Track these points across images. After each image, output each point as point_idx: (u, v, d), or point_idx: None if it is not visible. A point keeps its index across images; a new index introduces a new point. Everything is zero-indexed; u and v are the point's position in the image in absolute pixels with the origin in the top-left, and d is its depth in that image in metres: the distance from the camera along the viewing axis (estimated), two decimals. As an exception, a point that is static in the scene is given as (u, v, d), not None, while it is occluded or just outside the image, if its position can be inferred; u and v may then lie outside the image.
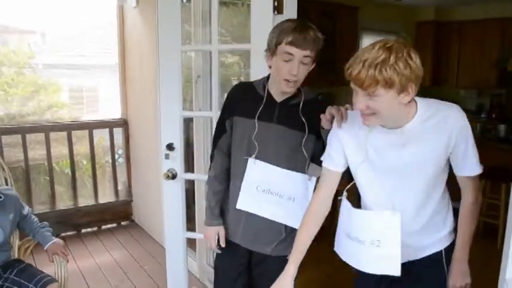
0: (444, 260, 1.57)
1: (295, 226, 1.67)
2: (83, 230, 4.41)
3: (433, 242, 1.56)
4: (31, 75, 4.37)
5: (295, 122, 1.67)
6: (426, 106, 1.42)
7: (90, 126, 4.43)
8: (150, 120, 3.93)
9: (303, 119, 1.67)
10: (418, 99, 1.42)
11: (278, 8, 2.17)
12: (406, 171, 1.44)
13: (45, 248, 2.33)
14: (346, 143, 1.51)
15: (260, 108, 1.70)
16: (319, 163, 1.62)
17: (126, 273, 3.54)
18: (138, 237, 4.31)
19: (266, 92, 1.72)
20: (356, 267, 1.54)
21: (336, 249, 1.62)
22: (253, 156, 1.72)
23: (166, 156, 2.38)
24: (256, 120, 1.70)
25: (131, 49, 4.35)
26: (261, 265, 1.84)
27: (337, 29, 5.73)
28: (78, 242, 4.16)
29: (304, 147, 1.67)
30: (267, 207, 1.75)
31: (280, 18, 2.20)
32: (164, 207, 2.53)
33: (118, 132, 4.62)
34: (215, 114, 2.20)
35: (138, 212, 4.65)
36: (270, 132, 1.70)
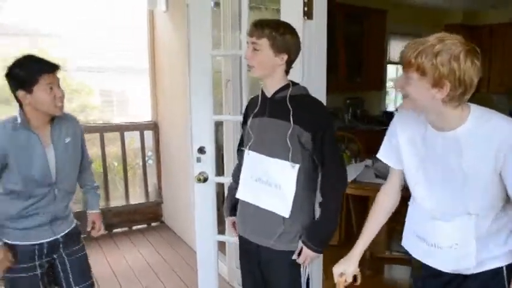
0: (506, 276, 1.51)
1: (282, 214, 1.76)
2: (114, 230, 4.51)
3: (494, 257, 1.50)
4: (65, 78, 4.49)
5: (283, 114, 1.73)
6: (480, 113, 1.38)
7: (122, 129, 4.53)
8: (180, 124, 3.99)
9: (290, 110, 1.72)
10: (472, 105, 1.40)
11: (308, 13, 2.18)
12: (455, 177, 1.41)
13: (89, 212, 2.26)
14: (403, 144, 1.53)
15: (258, 106, 1.82)
16: (321, 162, 1.73)
17: (157, 274, 3.61)
18: (168, 238, 4.38)
19: (261, 90, 1.85)
20: (432, 266, 1.56)
21: (404, 244, 1.67)
22: (248, 147, 1.84)
23: (198, 160, 2.42)
24: (251, 117, 1.84)
25: (161, 53, 4.42)
26: (268, 259, 1.87)
27: (365, 33, 5.70)
28: (110, 241, 4.26)
29: (289, 137, 1.71)
30: (259, 196, 1.83)
31: (310, 23, 2.22)
32: (196, 210, 2.56)
33: (148, 135, 4.71)
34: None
35: (167, 214, 4.72)
36: (262, 125, 1.80)
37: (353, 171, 3.54)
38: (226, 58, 2.95)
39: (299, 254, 1.80)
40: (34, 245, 1.98)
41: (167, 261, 3.86)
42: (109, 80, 5.22)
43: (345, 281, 1.65)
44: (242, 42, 2.29)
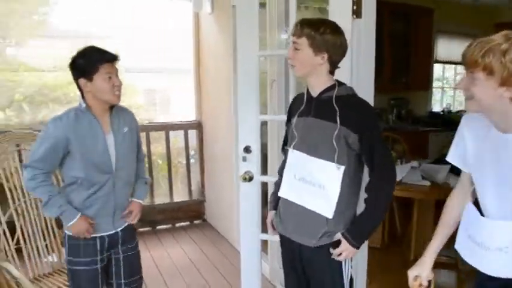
0: None
1: (324, 214, 1.76)
2: (158, 227, 4.61)
3: None
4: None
5: (329, 114, 1.72)
6: None
7: (167, 128, 4.64)
8: (224, 123, 4.03)
9: (336, 111, 1.70)
10: None
11: (357, 12, 2.16)
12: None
13: (132, 199, 2.26)
14: (470, 147, 1.51)
15: (302, 106, 1.82)
16: (370, 163, 1.72)
17: (199, 271, 3.67)
18: (210, 236, 4.44)
19: (306, 90, 1.84)
20: (481, 270, 1.52)
21: (456, 247, 1.63)
22: (292, 146, 1.84)
23: (244, 159, 2.43)
24: (296, 116, 1.83)
25: (206, 54, 4.49)
26: (310, 258, 1.86)
27: (411, 32, 5.57)
28: (154, 238, 4.37)
29: (335, 138, 1.70)
30: (302, 195, 1.82)
31: (359, 22, 2.19)
32: (240, 209, 2.58)
33: (192, 134, 4.79)
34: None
35: (210, 212, 4.78)
36: (307, 125, 1.79)
37: (398, 172, 3.45)
38: (272, 58, 2.96)
39: (337, 247, 1.79)
40: (96, 238, 2.06)
41: (209, 258, 3.92)
42: (154, 80, 5.34)
43: (420, 284, 1.65)
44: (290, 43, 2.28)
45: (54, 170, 2.01)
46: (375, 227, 1.83)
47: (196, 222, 4.84)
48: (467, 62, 1.28)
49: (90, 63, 1.92)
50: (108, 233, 2.10)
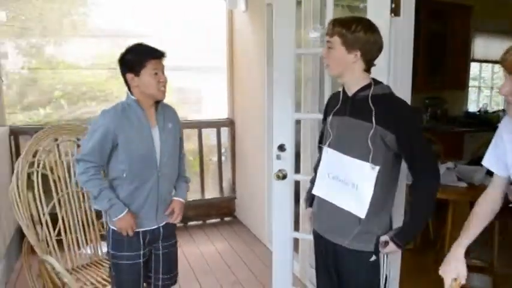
0: None
1: (357, 213, 1.75)
2: (190, 223, 4.68)
3: None
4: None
5: (364, 114, 1.71)
6: None
7: (200, 125, 4.69)
8: (256, 121, 4.05)
9: (372, 111, 1.69)
10: None
11: (395, 10, 2.14)
12: None
13: (174, 198, 2.25)
14: (509, 150, 1.49)
15: (338, 105, 1.82)
16: (413, 164, 1.69)
17: (230, 267, 3.70)
18: (241, 233, 4.47)
19: (342, 89, 1.84)
20: None
21: None
22: (327, 144, 1.84)
23: (278, 157, 2.45)
24: (332, 115, 1.84)
25: (239, 52, 4.52)
26: (344, 258, 1.85)
27: (448, 30, 5.44)
28: (185, 233, 4.43)
29: (370, 138, 1.68)
30: (335, 194, 1.82)
31: (397, 20, 2.17)
32: (273, 207, 2.59)
33: (224, 131, 4.83)
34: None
35: (240, 209, 4.82)
36: (342, 124, 1.79)
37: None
38: (307, 57, 2.95)
39: (382, 248, 1.78)
40: (138, 232, 2.11)
41: (239, 255, 3.95)
42: (186, 78, 5.40)
43: (459, 283, 1.64)
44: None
45: (104, 163, 2.07)
46: (422, 228, 1.84)
47: (226, 219, 4.88)
48: (509, 66, 1.26)
49: (138, 59, 2.00)
50: (150, 228, 2.14)
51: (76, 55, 4.57)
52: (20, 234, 3.52)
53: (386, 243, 1.77)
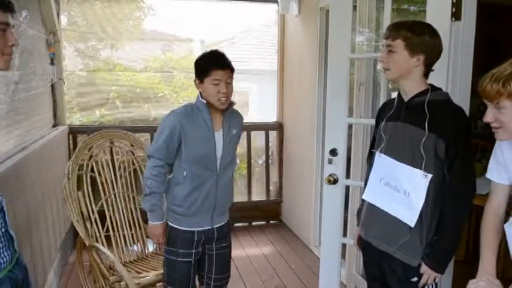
0: None
1: (406, 221, 1.72)
2: (236, 224, 4.72)
3: None
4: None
5: (418, 120, 1.68)
6: None
7: (250, 128, 4.73)
8: (306, 125, 4.05)
9: (426, 117, 1.65)
10: None
11: (456, 14, 2.08)
12: None
13: None
14: (506, 155, 1.50)
15: (392, 110, 1.80)
16: (449, 174, 1.64)
17: (275, 270, 3.71)
18: (286, 236, 4.48)
19: (398, 93, 1.81)
20: None
21: None
22: (379, 149, 1.81)
23: (329, 161, 2.44)
24: (385, 120, 1.81)
25: (290, 56, 4.53)
26: (392, 268, 1.81)
27: (502, 34, 5.23)
28: (231, 235, 4.46)
29: (423, 146, 1.64)
30: (385, 199, 1.80)
31: (458, 24, 2.12)
32: (323, 211, 2.58)
33: (272, 135, 4.86)
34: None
35: (286, 213, 4.82)
36: (396, 130, 1.76)
37: (488, 183, 3.29)
38: (360, 61, 2.93)
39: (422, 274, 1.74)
40: (193, 232, 2.17)
41: (285, 258, 3.95)
42: (236, 80, 5.50)
43: None
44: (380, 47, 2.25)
45: (171, 161, 2.14)
46: (454, 248, 1.76)
47: (272, 222, 4.90)
48: (490, 95, 1.35)
49: (204, 66, 2.06)
50: (204, 228, 2.19)
51: (131, 58, 4.74)
52: (74, 230, 3.69)
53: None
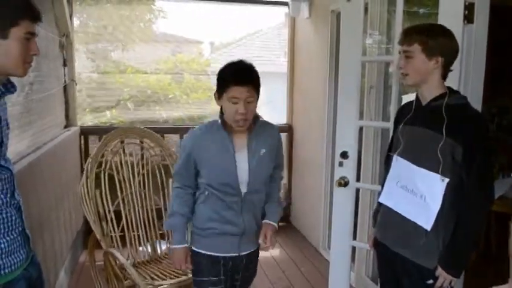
0: None
1: (423, 225, 1.72)
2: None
3: None
4: (207, 81, 4.87)
5: (435, 124, 1.67)
6: None
7: (259, 130, 4.72)
8: (316, 127, 4.05)
9: (444, 121, 1.64)
10: None
11: (469, 17, 2.09)
12: None
13: (265, 221, 2.00)
14: None
15: (410, 113, 1.80)
16: (467, 180, 1.64)
17: (284, 272, 3.71)
18: (295, 238, 4.47)
19: (416, 97, 1.81)
20: None
21: None
22: (396, 153, 1.81)
23: (340, 164, 2.44)
24: (403, 124, 1.81)
25: (300, 58, 4.53)
26: (406, 271, 1.81)
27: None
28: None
29: (440, 150, 1.64)
30: (402, 203, 1.80)
31: (470, 27, 2.11)
32: (333, 214, 2.58)
33: (282, 137, 4.84)
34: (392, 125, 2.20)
35: (295, 215, 4.81)
36: (413, 133, 1.76)
37: (499, 187, 3.28)
38: (371, 64, 2.93)
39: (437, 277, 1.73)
40: (219, 257, 1.94)
41: (293, 260, 3.95)
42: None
43: None
44: (395, 48, 2.24)
45: (192, 183, 1.95)
46: (469, 253, 1.77)
47: (281, 224, 4.87)
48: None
49: (222, 81, 1.81)
50: (231, 255, 1.94)
51: (142, 60, 4.78)
52: (85, 229, 3.73)
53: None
